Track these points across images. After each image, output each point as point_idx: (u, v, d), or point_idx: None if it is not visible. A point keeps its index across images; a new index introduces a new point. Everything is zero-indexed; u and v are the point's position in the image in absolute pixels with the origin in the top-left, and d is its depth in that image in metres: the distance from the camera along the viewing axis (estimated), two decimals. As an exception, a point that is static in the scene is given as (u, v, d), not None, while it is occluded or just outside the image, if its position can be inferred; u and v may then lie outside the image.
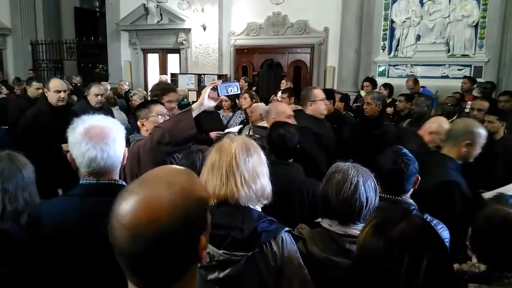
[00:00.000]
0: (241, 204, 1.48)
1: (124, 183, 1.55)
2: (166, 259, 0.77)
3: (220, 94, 2.21)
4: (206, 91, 2.18)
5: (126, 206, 0.77)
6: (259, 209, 1.58)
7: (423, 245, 0.80)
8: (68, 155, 1.48)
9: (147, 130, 2.64)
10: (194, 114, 2.16)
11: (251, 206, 1.52)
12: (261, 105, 5.35)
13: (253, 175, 1.49)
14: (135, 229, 0.75)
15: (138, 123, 2.69)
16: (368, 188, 1.62)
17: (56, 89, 3.89)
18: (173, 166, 0.91)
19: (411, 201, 1.98)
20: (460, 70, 7.90)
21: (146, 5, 10.32)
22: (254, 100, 5.62)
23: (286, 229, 1.53)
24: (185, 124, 2.12)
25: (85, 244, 1.40)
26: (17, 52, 12.90)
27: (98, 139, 1.43)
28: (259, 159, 1.54)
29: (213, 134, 4.07)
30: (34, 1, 12.84)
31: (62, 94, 3.90)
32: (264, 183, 1.53)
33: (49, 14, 13.32)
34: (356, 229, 1.62)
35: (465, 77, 7.23)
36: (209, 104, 2.21)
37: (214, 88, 2.20)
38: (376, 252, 0.87)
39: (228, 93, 2.23)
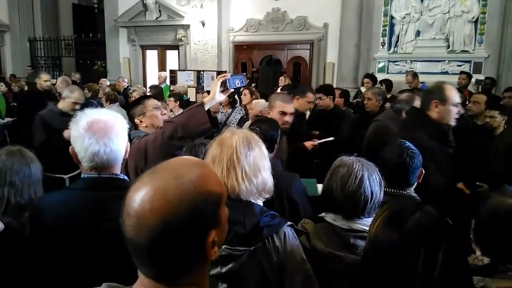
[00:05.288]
0: (242, 199, 1.46)
1: (125, 177, 1.54)
2: (170, 251, 0.76)
3: (229, 87, 2.23)
4: (217, 85, 2.19)
5: (134, 194, 0.77)
6: (261, 204, 1.56)
7: (439, 235, 0.79)
8: (70, 148, 1.47)
9: (146, 126, 2.62)
10: (206, 107, 2.19)
11: (253, 201, 1.50)
12: (262, 101, 5.32)
13: (254, 169, 1.48)
14: (140, 218, 0.75)
15: (136, 120, 2.67)
16: (373, 182, 1.60)
17: None
18: (189, 157, 0.90)
19: (415, 195, 1.98)
20: (459, 66, 7.88)
21: (144, 1, 10.27)
22: (254, 96, 5.61)
23: (289, 223, 1.51)
24: (198, 118, 2.14)
25: (86, 237, 1.39)
26: (15, 49, 12.86)
27: (101, 134, 1.41)
28: (260, 152, 1.52)
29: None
30: (32, -3, 12.79)
31: None
32: (266, 177, 1.51)
33: (47, 10, 13.24)
34: (360, 224, 1.61)
35: (461, 72, 7.23)
36: (220, 97, 2.24)
37: (222, 82, 2.22)
38: (390, 245, 0.86)
39: (236, 85, 2.25)
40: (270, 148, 2.40)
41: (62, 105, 4.13)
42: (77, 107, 4.02)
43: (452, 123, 2.66)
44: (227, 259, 1.41)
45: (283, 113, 3.06)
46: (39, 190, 1.97)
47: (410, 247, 0.85)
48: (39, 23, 13.05)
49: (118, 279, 0.93)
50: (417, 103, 3.24)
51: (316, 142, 3.64)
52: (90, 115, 1.45)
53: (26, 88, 8.37)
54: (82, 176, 1.48)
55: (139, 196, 0.76)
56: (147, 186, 0.77)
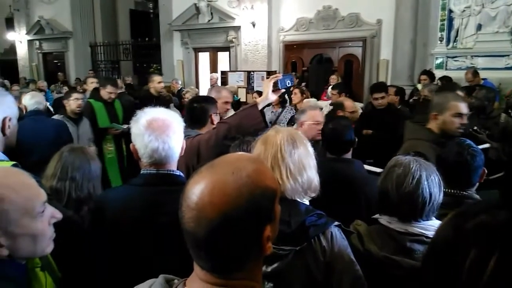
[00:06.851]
0: (287, 197, 1.44)
1: (181, 173, 1.59)
2: (228, 243, 0.77)
3: (280, 87, 2.26)
4: (269, 85, 2.23)
5: (194, 188, 0.79)
6: (307, 203, 1.54)
7: (496, 241, 0.72)
8: (131, 145, 1.55)
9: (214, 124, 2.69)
10: (260, 107, 2.23)
11: (298, 200, 1.48)
12: (312, 100, 5.31)
13: (299, 167, 1.45)
14: (199, 210, 0.76)
15: (213, 115, 2.70)
16: (431, 183, 1.51)
17: None
18: (245, 153, 0.91)
19: (477, 196, 1.85)
20: (526, 60, 7.35)
21: (197, 5, 10.51)
22: (304, 95, 5.59)
23: (336, 223, 1.47)
24: (252, 119, 2.20)
25: (144, 230, 1.46)
26: (77, 54, 13.68)
27: (160, 131, 1.48)
28: (305, 151, 1.50)
29: None
30: (92, 5, 13.56)
31: None
32: (311, 175, 1.49)
33: (106, 16, 14.01)
34: (418, 227, 1.53)
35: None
36: (273, 97, 2.28)
37: (274, 82, 2.25)
38: (446, 243, 0.81)
39: (286, 85, 2.28)
40: (350, 148, 2.41)
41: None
42: (229, 106, 3.29)
43: None
44: (273, 258, 1.40)
45: (459, 115, 2.51)
46: (97, 186, 2.10)
47: (462, 248, 0.79)
48: (99, 29, 13.84)
49: (173, 271, 0.95)
50: None
51: None
52: (149, 113, 1.52)
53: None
54: (141, 172, 1.56)
55: (199, 189, 0.78)
56: (206, 180, 0.79)
